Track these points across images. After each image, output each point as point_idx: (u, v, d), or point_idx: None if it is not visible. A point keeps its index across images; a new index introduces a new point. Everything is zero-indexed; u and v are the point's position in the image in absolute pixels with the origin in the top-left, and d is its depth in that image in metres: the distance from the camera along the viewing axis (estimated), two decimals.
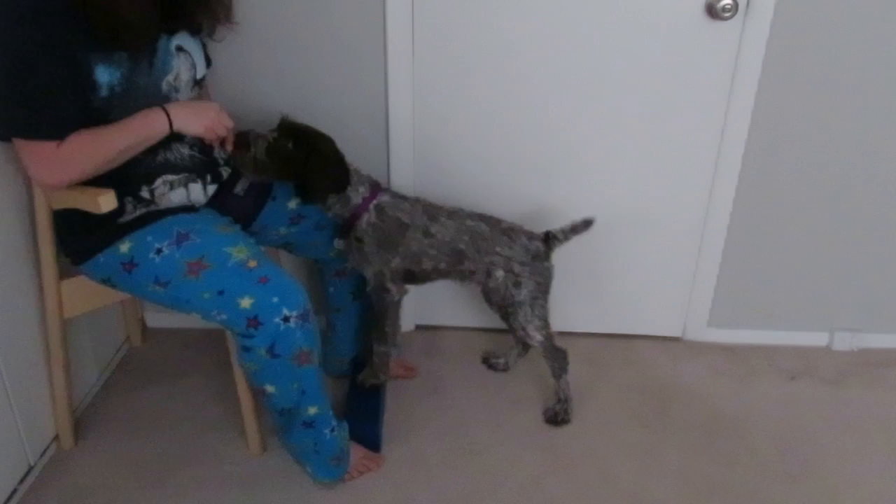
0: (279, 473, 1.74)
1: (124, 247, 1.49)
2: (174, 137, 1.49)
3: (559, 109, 1.96)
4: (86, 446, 1.81)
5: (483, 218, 1.79)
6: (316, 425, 1.60)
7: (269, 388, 1.52)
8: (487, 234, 1.76)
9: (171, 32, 1.51)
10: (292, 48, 1.90)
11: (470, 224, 1.76)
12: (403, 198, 1.76)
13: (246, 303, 1.43)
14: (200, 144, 1.59)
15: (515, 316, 1.82)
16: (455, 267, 1.78)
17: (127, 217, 1.50)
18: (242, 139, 1.58)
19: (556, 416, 1.91)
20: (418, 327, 2.30)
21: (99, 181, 1.45)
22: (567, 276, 2.05)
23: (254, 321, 1.43)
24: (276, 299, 1.44)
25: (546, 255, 1.81)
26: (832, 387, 2.09)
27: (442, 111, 1.97)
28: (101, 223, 1.48)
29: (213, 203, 1.62)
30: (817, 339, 2.25)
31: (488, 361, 2.13)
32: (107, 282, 1.55)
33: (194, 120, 1.49)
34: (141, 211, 1.51)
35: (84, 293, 1.67)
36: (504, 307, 1.83)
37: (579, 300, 2.21)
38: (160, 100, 1.47)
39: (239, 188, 1.69)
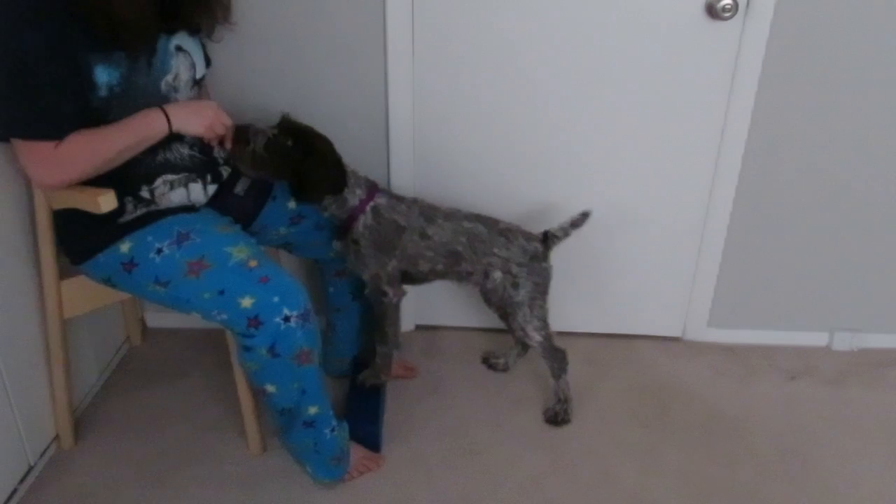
0: (279, 473, 1.74)
1: (124, 247, 1.49)
2: (174, 137, 1.49)
3: (559, 109, 1.96)
4: (86, 446, 1.81)
5: (480, 219, 1.79)
6: (316, 425, 1.60)
7: (270, 388, 1.52)
8: (485, 236, 1.76)
9: (171, 32, 1.50)
10: (292, 48, 1.89)
11: (467, 225, 1.76)
12: (400, 199, 1.76)
13: (246, 302, 1.43)
14: (200, 144, 1.59)
15: (514, 316, 1.82)
16: (452, 268, 1.78)
17: (127, 217, 1.50)
18: (242, 133, 1.57)
19: (556, 416, 1.91)
20: (418, 327, 2.30)
21: (99, 181, 1.45)
22: (566, 276, 2.05)
23: (254, 321, 1.43)
24: (276, 299, 1.44)
25: (544, 256, 1.81)
26: (832, 387, 2.09)
27: (442, 111, 1.97)
28: (102, 223, 1.47)
29: (214, 203, 1.62)
30: (817, 339, 2.25)
31: (488, 361, 2.13)
32: (107, 282, 1.55)
33: (193, 120, 1.49)
34: (141, 211, 1.51)
35: (84, 293, 1.67)
36: (503, 308, 1.83)
37: (579, 300, 2.21)
38: (159, 100, 1.47)
39: (239, 188, 1.68)
